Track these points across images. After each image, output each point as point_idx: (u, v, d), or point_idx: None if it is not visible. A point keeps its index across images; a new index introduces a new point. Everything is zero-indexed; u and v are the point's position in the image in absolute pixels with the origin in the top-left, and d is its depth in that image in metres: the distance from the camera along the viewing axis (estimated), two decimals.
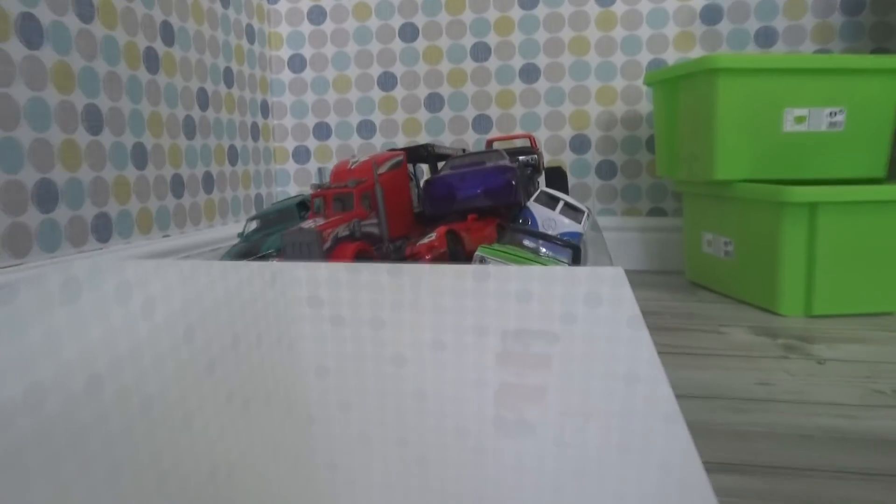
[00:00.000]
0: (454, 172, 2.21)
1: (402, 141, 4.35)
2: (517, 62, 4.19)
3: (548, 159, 4.07)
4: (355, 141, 4.37)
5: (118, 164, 3.19)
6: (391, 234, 2.15)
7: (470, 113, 4.25)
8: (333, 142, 4.39)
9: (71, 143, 2.90)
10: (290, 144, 4.44)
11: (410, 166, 2.54)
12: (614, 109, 4.09)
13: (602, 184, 4.12)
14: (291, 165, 4.48)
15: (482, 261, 1.66)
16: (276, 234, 2.23)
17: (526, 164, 2.60)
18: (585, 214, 2.32)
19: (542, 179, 3.32)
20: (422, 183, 2.23)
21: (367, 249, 2.03)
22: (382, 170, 2.18)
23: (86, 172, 2.99)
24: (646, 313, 3.25)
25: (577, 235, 2.26)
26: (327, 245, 1.91)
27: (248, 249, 2.17)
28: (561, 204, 2.32)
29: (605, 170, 4.11)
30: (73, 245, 2.90)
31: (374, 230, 2.11)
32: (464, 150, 2.97)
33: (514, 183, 2.10)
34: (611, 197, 4.12)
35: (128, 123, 3.31)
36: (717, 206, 3.46)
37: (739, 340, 2.76)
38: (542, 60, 4.16)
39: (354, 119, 4.38)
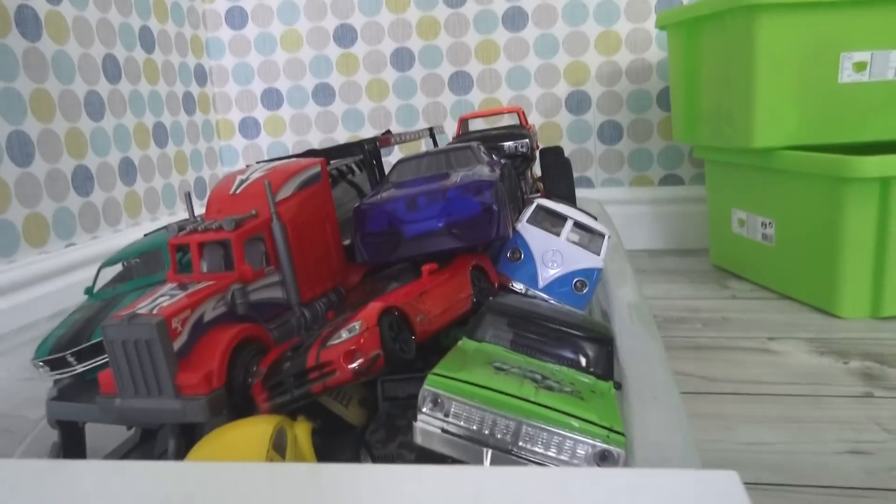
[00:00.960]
0: (399, 194, 1.31)
1: (366, 108, 3.42)
2: (499, 6, 3.22)
3: (540, 124, 3.14)
4: (311, 109, 3.45)
5: None
6: (304, 295, 1.25)
7: (445, 70, 3.32)
8: (286, 111, 3.47)
9: None
10: (235, 116, 3.52)
11: (338, 171, 1.63)
12: (618, 59, 3.18)
13: (605, 149, 3.22)
14: (239, 141, 3.56)
15: (436, 403, 0.77)
16: (134, 295, 1.34)
17: (513, 156, 1.68)
18: (605, 238, 1.43)
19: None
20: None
21: (257, 335, 1.15)
22: (285, 192, 1.28)
23: None
24: (667, 320, 2.41)
25: (595, 274, 1.38)
26: (180, 340, 1.02)
27: (74, 335, 1.28)
28: (569, 225, 1.42)
29: (609, 132, 3.22)
30: None
31: (276, 294, 1.21)
32: (433, 136, 2.03)
33: (494, 208, 1.22)
34: (616, 165, 3.24)
35: None
36: (754, 178, 2.62)
37: (798, 364, 2.01)
38: (529, 2, 3.18)
39: (309, 83, 3.45)
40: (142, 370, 1.10)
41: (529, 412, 0.80)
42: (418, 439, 0.84)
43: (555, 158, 1.90)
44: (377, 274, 1.35)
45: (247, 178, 1.33)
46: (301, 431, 0.97)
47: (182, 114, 3.32)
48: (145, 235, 1.62)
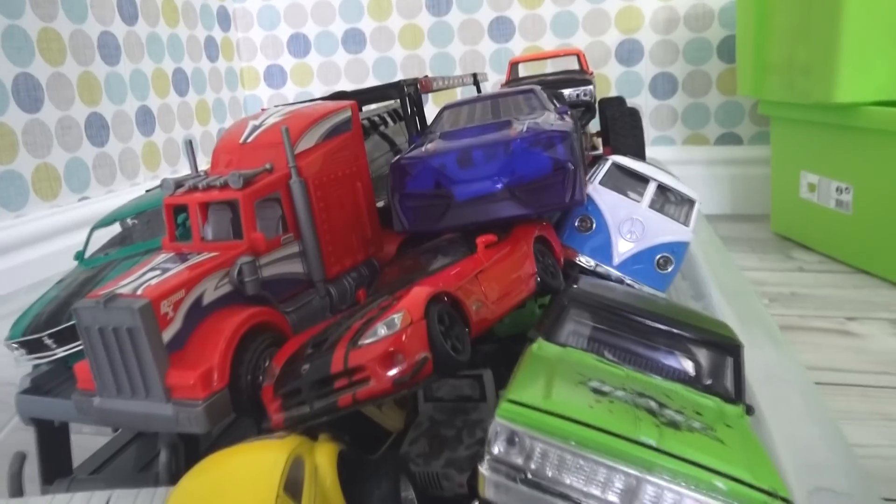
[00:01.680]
0: (449, 146, 1.02)
1: (399, 56, 3.12)
2: None
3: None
4: (341, 56, 3.16)
5: None
6: (330, 269, 0.98)
7: (485, 15, 2.99)
8: (314, 58, 3.18)
9: None
10: (260, 63, 3.24)
11: (369, 121, 1.34)
12: (675, 4, 2.86)
13: (658, 104, 2.91)
14: (264, 90, 3.28)
15: (513, 444, 0.51)
16: (128, 264, 1.08)
17: (574, 106, 1.38)
18: (695, 205, 1.14)
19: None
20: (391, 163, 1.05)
21: (271, 320, 0.89)
22: (308, 142, 1.01)
23: None
24: (701, 294, 2.11)
25: (683, 248, 1.10)
26: (172, 329, 0.76)
27: (54, 312, 1.03)
28: (652, 188, 1.13)
29: (663, 86, 2.91)
30: None
31: (295, 268, 0.95)
32: (476, 84, 1.72)
33: (569, 166, 0.94)
34: (668, 121, 2.93)
35: (2, 48, 2.13)
36: (830, 137, 2.31)
37: (884, 350, 1.70)
38: None
39: (338, 28, 3.15)
40: (124, 365, 0.84)
41: (654, 464, 0.53)
42: (487, 492, 0.58)
43: (620, 110, 1.59)
44: (418, 246, 1.07)
45: (261, 125, 1.06)
46: (323, 458, 0.71)
47: (204, 60, 3.04)
48: (148, 191, 1.35)
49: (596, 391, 0.63)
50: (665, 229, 1.15)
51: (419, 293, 0.80)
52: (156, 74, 2.75)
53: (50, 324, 1.03)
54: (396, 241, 1.16)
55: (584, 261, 1.16)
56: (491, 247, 0.97)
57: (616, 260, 1.15)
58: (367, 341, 0.76)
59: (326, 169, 1.04)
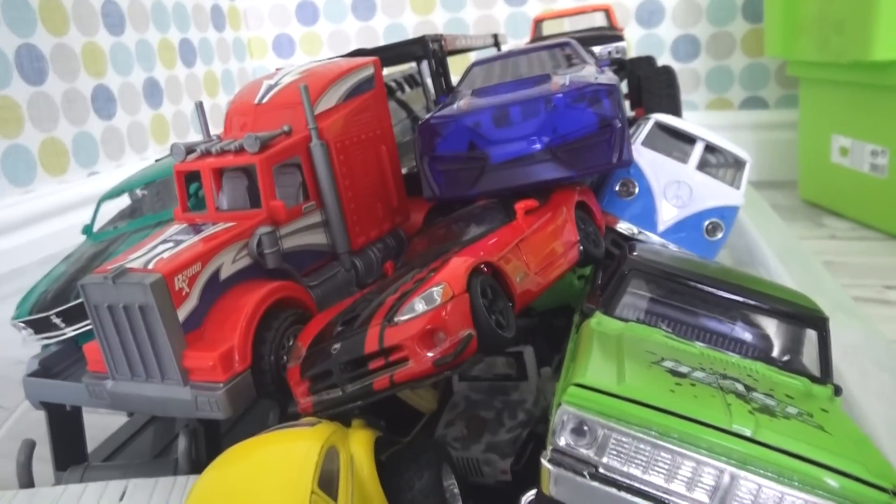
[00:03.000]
0: (483, 103, 0.93)
1: (410, 22, 3.00)
2: None
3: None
4: (351, 24, 3.05)
5: None
6: (355, 240, 0.90)
7: None
8: (323, 26, 3.07)
9: None
10: (267, 32, 3.13)
11: (396, 85, 1.25)
12: None
13: (680, 67, 2.80)
14: (272, 61, 3.18)
15: (581, 434, 0.43)
16: (138, 237, 1.01)
17: (609, 63, 1.28)
18: (746, 166, 1.05)
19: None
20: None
21: (294, 295, 0.81)
22: (328, 101, 0.92)
23: None
24: (754, 262, 2.03)
25: (733, 213, 1.01)
26: (188, 306, 0.68)
27: (61, 289, 0.96)
28: (699, 148, 1.04)
29: (685, 47, 2.81)
30: None
31: (318, 238, 0.87)
32: (497, 45, 1.61)
33: (616, 123, 0.84)
34: (691, 85, 2.83)
35: (2, 17, 2.04)
36: (865, 98, 2.19)
37: None
38: None
39: None
40: (136, 345, 0.76)
41: (750, 457, 0.45)
42: (550, 488, 0.50)
43: (652, 68, 1.49)
44: (449, 214, 0.98)
45: (276, 84, 0.96)
46: (359, 448, 0.64)
47: (211, 29, 2.93)
48: (157, 160, 1.27)
49: (673, 372, 0.55)
50: (714, 193, 1.06)
51: (459, 264, 0.71)
52: (162, 45, 2.65)
53: (57, 302, 0.95)
54: (423, 209, 1.07)
55: (625, 228, 1.07)
56: (531, 213, 0.89)
57: (660, 227, 1.06)
58: (404, 318, 0.68)
59: (349, 131, 0.95)
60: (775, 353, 0.65)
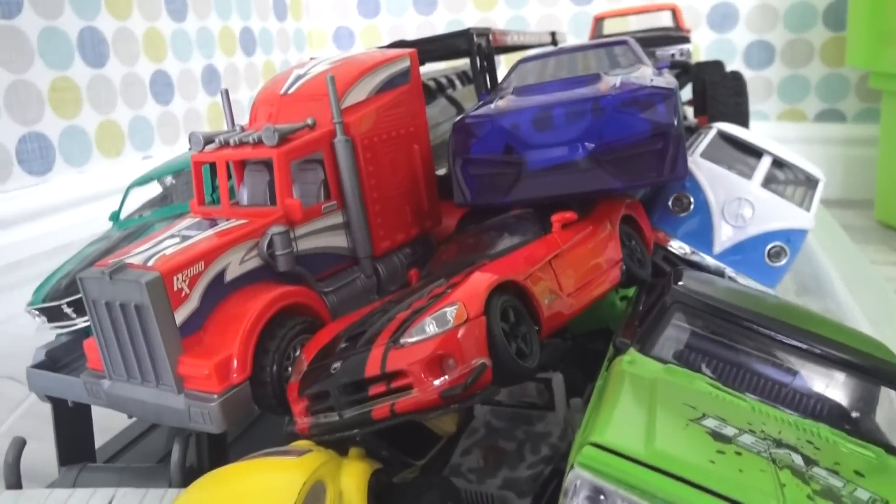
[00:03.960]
0: (523, 103, 0.84)
1: (471, 19, 2.92)
2: None
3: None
4: (411, 18, 2.99)
5: (56, 61, 1.94)
6: (378, 245, 0.83)
7: None
8: (383, 20, 3.02)
9: None
10: (328, 24, 3.10)
11: (435, 83, 1.17)
12: None
13: (751, 75, 2.65)
14: (331, 52, 3.12)
15: (596, 501, 0.34)
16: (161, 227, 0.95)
17: (671, 66, 1.17)
18: (818, 185, 0.94)
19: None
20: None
21: (304, 302, 0.74)
22: (358, 95, 0.85)
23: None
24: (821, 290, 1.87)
25: (800, 237, 0.90)
26: (187, 308, 0.62)
27: (76, 279, 0.92)
28: (766, 163, 0.93)
29: (758, 54, 2.66)
30: None
31: (337, 241, 0.80)
32: (554, 42, 1.52)
33: (672, 131, 0.74)
34: (763, 94, 2.67)
35: (68, 1, 2.06)
36: None
37: None
38: None
39: None
40: (132, 346, 0.71)
41: None
42: None
43: (720, 73, 1.37)
44: (482, 222, 0.90)
45: (305, 74, 0.90)
46: (350, 483, 0.56)
47: (272, 19, 2.91)
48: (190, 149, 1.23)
49: (716, 435, 0.46)
50: (780, 213, 0.95)
51: (479, 282, 0.63)
52: (223, 33, 2.64)
53: (70, 291, 0.91)
54: (457, 213, 0.99)
55: (677, 247, 0.97)
56: (569, 226, 0.79)
57: (717, 248, 0.96)
58: (412, 340, 0.60)
59: (378, 127, 0.88)
60: (842, 412, 0.55)
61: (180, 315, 0.70)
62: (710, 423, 0.48)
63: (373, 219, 0.87)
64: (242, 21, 2.74)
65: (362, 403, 0.61)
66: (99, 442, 0.99)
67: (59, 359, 0.90)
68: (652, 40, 1.35)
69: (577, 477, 0.42)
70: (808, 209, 0.96)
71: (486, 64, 1.10)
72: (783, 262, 0.95)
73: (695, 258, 0.96)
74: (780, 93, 2.65)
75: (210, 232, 0.76)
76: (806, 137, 2.62)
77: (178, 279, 0.69)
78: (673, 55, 1.34)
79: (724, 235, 0.96)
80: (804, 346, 0.57)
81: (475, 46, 1.07)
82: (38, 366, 0.86)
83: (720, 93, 1.35)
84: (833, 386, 0.56)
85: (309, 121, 0.83)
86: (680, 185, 0.98)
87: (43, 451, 0.90)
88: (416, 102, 0.94)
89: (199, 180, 0.85)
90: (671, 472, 0.41)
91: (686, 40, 1.33)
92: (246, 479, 0.55)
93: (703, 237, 0.97)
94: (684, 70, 1.28)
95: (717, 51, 2.64)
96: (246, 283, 0.76)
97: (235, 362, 0.70)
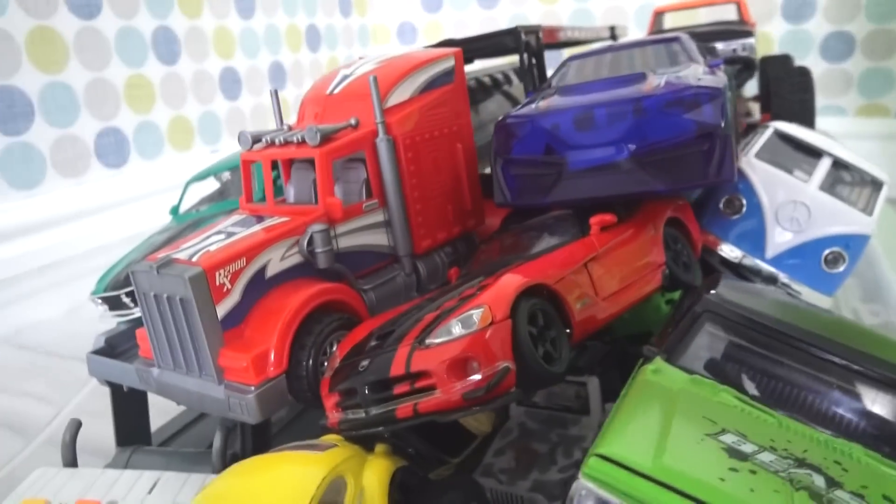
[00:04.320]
0: (565, 103, 0.84)
1: (535, 12, 2.91)
2: None
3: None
4: (474, 13, 3.00)
5: (132, 59, 2.04)
6: (419, 243, 0.84)
7: None
8: (447, 14, 3.03)
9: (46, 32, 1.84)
10: (392, 20, 3.12)
11: (491, 79, 1.16)
12: None
13: (828, 67, 2.53)
14: (395, 48, 3.16)
15: None
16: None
17: (731, 62, 1.13)
18: (882, 189, 0.89)
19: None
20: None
21: (343, 299, 0.76)
22: (402, 94, 0.86)
23: (76, 72, 1.91)
24: (882, 298, 1.77)
25: (860, 243, 0.86)
26: (229, 302, 0.65)
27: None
28: (825, 165, 0.90)
29: (836, 46, 2.54)
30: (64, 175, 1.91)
31: (378, 239, 0.81)
32: (613, 38, 1.49)
33: (718, 133, 0.72)
34: (840, 88, 2.55)
35: (143, 1, 2.15)
36: None
37: None
38: None
39: None
40: (177, 337, 0.74)
41: None
42: None
43: (785, 69, 1.31)
44: (524, 221, 0.90)
45: (351, 74, 0.91)
46: (373, 480, 0.57)
47: (337, 15, 2.96)
48: None
49: (732, 451, 0.44)
50: (838, 217, 0.91)
51: (507, 284, 0.63)
52: (289, 30, 2.71)
53: (128, 281, 0.96)
54: (502, 213, 0.99)
55: (728, 250, 0.94)
56: (608, 229, 0.78)
57: (770, 252, 0.92)
58: (437, 341, 0.61)
59: (421, 126, 0.89)
60: (882, 434, 0.52)
61: (222, 309, 0.72)
62: (729, 438, 0.47)
63: (413, 217, 0.88)
64: (308, 18, 2.80)
65: (387, 402, 0.62)
66: (156, 425, 1.04)
67: (116, 346, 0.95)
68: (713, 35, 1.30)
69: (582, 488, 0.42)
70: (870, 213, 0.92)
71: (534, 62, 1.09)
72: (841, 268, 0.91)
73: (746, 262, 0.93)
74: (860, 87, 2.52)
75: (253, 229, 0.78)
76: (888, 134, 2.48)
77: (220, 274, 0.72)
78: (735, 50, 1.29)
79: (778, 239, 0.92)
80: (843, 363, 0.54)
81: (523, 44, 1.06)
82: (97, 352, 0.91)
83: (784, 89, 1.29)
84: (873, 405, 0.53)
85: (352, 121, 0.85)
86: (732, 186, 0.95)
87: (108, 429, 0.96)
88: (460, 101, 0.94)
89: (248, 178, 0.88)
90: (677, 489, 0.40)
91: (749, 34, 1.28)
92: (269, 471, 0.56)
93: (755, 241, 0.93)
94: (746, 66, 1.24)
95: (791, 42, 2.54)
96: (287, 280, 0.78)
97: (272, 356, 0.72)
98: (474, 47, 1.04)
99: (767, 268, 0.92)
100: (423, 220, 0.89)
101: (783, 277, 0.92)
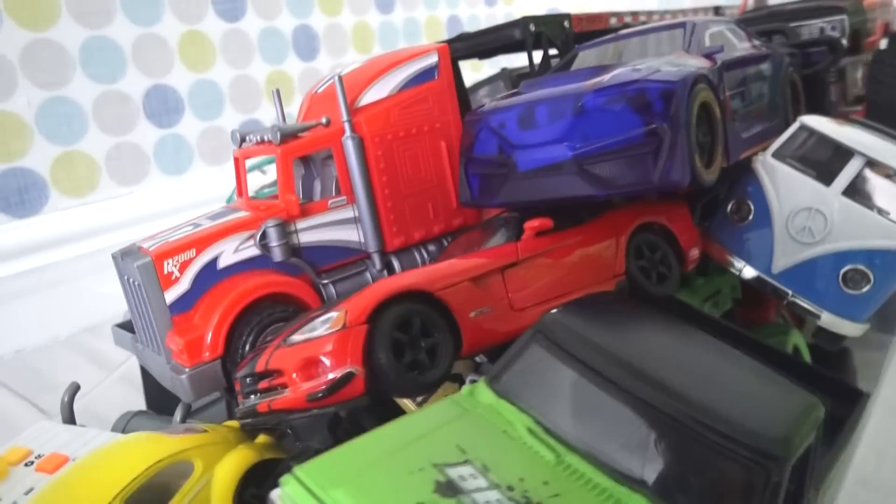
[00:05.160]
0: (515, 100, 0.80)
1: None
2: None
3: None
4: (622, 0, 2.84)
5: (272, 57, 2.24)
6: (391, 241, 0.86)
7: None
8: (597, 0, 2.92)
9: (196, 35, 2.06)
10: (539, 6, 3.07)
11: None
12: None
13: None
14: None
15: None
16: None
17: (813, 44, 1.00)
18: None
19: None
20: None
21: (290, 292, 0.80)
22: (378, 93, 0.88)
23: (222, 70, 2.13)
24: None
25: (893, 260, 0.73)
26: (177, 289, 0.74)
27: None
28: (855, 166, 0.77)
29: None
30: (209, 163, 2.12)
31: (348, 235, 0.85)
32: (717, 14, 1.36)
33: (663, 130, 0.65)
34: None
35: (284, 2, 2.36)
36: None
37: None
38: None
39: None
40: (139, 317, 0.84)
41: None
42: None
43: (889, 51, 1.11)
44: (489, 220, 0.87)
45: (341, 73, 0.94)
46: (225, 468, 0.60)
47: (481, 5, 2.98)
48: None
49: (445, 486, 0.41)
50: (864, 229, 0.76)
51: (374, 290, 0.62)
52: (429, 22, 2.78)
53: None
54: (493, 213, 0.96)
55: (734, 261, 0.83)
56: (544, 235, 0.73)
57: (776, 266, 0.80)
58: (297, 339, 0.62)
59: (397, 123, 0.89)
60: (676, 487, 0.44)
61: (170, 295, 0.79)
62: (460, 471, 0.42)
63: (384, 215, 0.89)
64: (450, 9, 2.85)
65: (255, 395, 0.65)
66: None
67: None
68: (796, 13, 1.14)
69: (274, 497, 0.42)
70: None
71: (549, 54, 1.03)
72: (865, 289, 0.76)
73: (747, 275, 0.82)
74: None
75: (215, 222, 0.84)
76: None
77: (168, 263, 0.79)
78: (822, 29, 1.12)
79: (788, 252, 0.80)
80: (657, 406, 0.46)
81: (531, 38, 1.00)
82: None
83: (884, 72, 1.09)
84: (678, 455, 0.45)
85: (323, 119, 0.88)
86: (742, 189, 0.84)
87: None
88: (444, 98, 0.93)
89: (238, 174, 0.94)
90: None
91: (839, 11, 1.10)
92: (112, 452, 0.61)
93: (761, 253, 0.81)
94: (831, 47, 1.07)
95: None
96: (242, 270, 0.83)
97: (208, 341, 0.78)
98: (481, 42, 1.01)
99: (773, 283, 0.80)
100: (395, 218, 0.90)
101: (797, 298, 0.80)
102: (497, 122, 0.79)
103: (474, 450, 0.45)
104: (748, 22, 1.14)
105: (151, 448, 0.59)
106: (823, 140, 0.82)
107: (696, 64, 0.76)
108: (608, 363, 0.49)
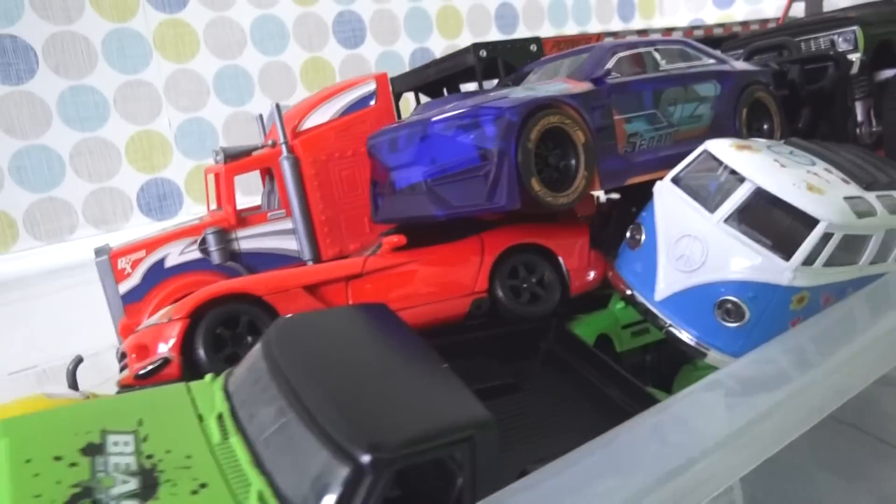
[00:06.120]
0: (396, 124, 0.86)
1: None
2: None
3: None
4: (770, 3, 2.71)
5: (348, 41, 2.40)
6: (326, 250, 0.98)
7: None
8: (740, 8, 2.79)
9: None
10: (681, 19, 2.99)
11: None
12: None
13: None
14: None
15: None
16: None
17: (817, 59, 0.94)
18: (815, 229, 0.71)
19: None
20: None
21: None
22: (318, 118, 1.00)
23: (293, 52, 2.23)
24: None
25: (770, 295, 0.72)
26: (129, 283, 0.93)
27: None
28: (742, 192, 0.75)
29: None
30: None
31: (287, 244, 1.00)
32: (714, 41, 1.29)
33: (492, 156, 0.69)
34: None
35: (405, 28, 2.55)
36: None
37: None
38: None
39: None
40: (109, 305, 1.02)
41: None
42: None
43: None
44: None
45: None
46: None
47: (615, 20, 2.96)
48: None
49: (93, 448, 0.50)
50: (738, 260, 0.71)
51: (205, 290, 0.73)
52: (527, 4, 2.79)
53: None
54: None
55: (628, 287, 0.82)
56: (402, 251, 0.79)
57: (658, 294, 0.77)
58: (142, 326, 0.75)
59: (335, 145, 0.99)
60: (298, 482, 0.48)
61: (123, 287, 0.97)
62: (118, 438, 0.51)
63: (319, 228, 0.99)
64: (578, 26, 2.85)
65: (121, 371, 0.78)
66: None
67: None
68: (809, 26, 1.04)
69: None
70: (787, 258, 0.70)
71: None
72: (741, 322, 0.71)
73: (636, 300, 0.80)
74: None
75: (170, 229, 1.01)
76: None
77: (122, 261, 0.96)
78: (833, 42, 1.01)
79: (669, 280, 0.76)
80: (285, 410, 0.51)
81: (481, 64, 1.03)
82: None
83: (889, 96, 0.96)
84: (292, 450, 0.49)
85: (269, 142, 1.01)
86: (640, 215, 0.81)
87: None
88: (384, 122, 1.01)
89: (207, 188, 1.10)
90: None
91: (850, 22, 0.98)
92: None
93: (647, 279, 0.78)
94: (838, 65, 0.97)
95: None
96: (187, 270, 0.99)
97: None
98: (437, 70, 1.07)
99: (654, 311, 0.77)
100: (330, 230, 1.00)
101: (671, 328, 0.76)
102: (375, 146, 0.86)
103: (150, 423, 0.54)
104: (754, 37, 1.08)
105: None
106: (720, 165, 0.78)
107: (562, 89, 0.76)
108: (274, 368, 0.55)
